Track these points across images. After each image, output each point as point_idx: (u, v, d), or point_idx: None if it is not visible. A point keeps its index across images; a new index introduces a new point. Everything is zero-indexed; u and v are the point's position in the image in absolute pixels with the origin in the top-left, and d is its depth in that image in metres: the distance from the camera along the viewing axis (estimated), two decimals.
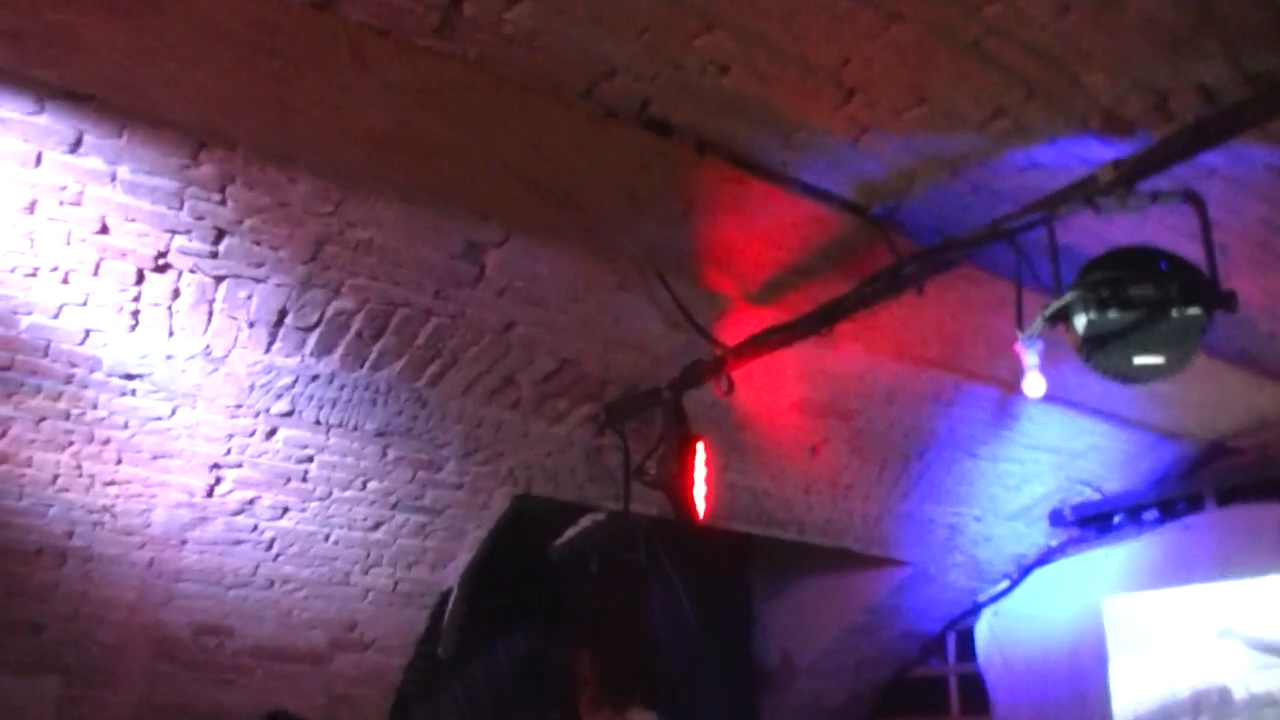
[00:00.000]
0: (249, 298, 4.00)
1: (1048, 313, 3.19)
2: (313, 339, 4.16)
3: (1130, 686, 6.26)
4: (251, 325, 4.11)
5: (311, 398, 4.45)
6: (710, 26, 2.96)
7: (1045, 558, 6.86)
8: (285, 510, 4.90)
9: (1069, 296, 3.13)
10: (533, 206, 3.66)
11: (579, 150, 3.39)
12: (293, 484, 4.80)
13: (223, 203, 3.60)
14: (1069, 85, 3.16)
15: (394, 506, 5.04)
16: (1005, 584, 6.99)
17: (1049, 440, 5.86)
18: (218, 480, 4.73)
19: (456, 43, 3.03)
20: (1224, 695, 5.80)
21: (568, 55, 3.08)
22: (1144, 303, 3.09)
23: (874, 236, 3.81)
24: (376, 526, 5.10)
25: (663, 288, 4.13)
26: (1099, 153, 3.38)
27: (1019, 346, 3.66)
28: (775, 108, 3.28)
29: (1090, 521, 6.66)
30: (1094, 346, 3.17)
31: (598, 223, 3.77)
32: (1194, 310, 3.07)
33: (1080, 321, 3.14)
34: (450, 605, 5.56)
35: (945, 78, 3.14)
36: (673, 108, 3.30)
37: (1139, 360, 3.15)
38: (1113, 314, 3.10)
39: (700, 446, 4.57)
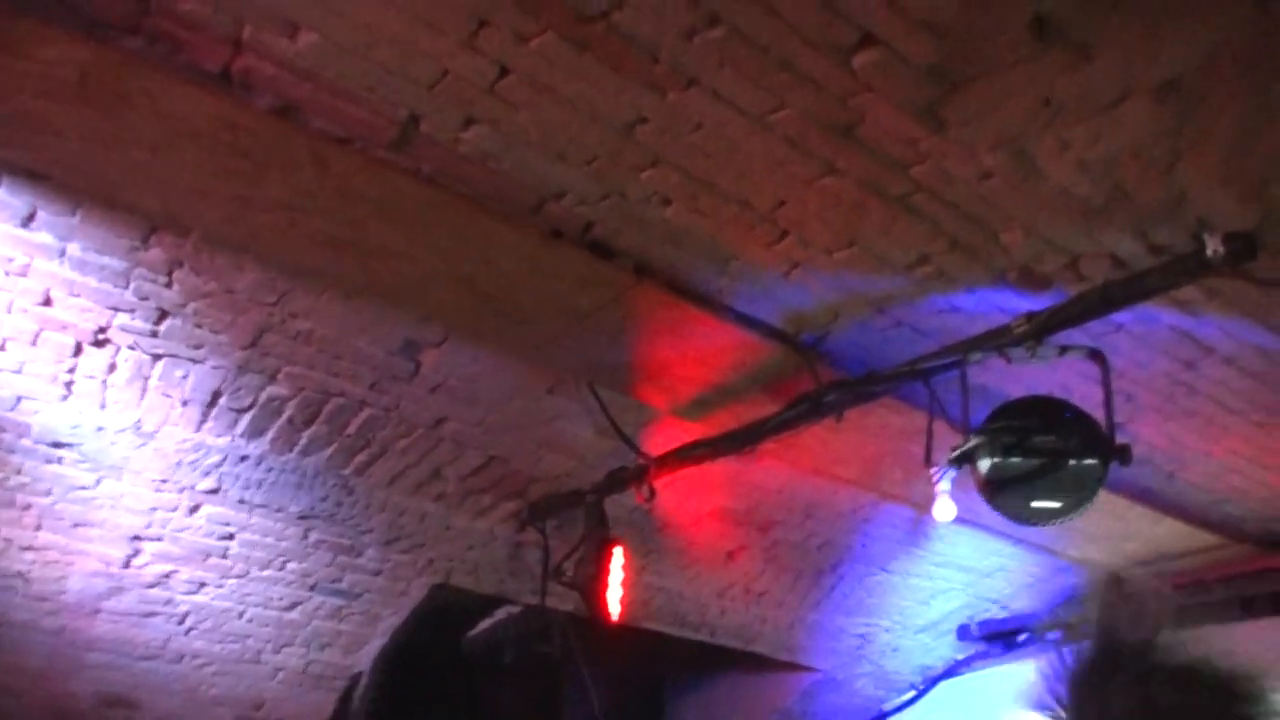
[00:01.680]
0: (185, 377, 4.06)
1: (953, 455, 3.35)
2: (245, 421, 4.22)
3: None
4: (185, 404, 4.16)
5: (238, 477, 4.49)
6: (656, 161, 3.11)
7: (951, 671, 7.00)
8: (202, 585, 4.90)
9: (974, 441, 3.30)
10: (474, 312, 3.78)
11: (524, 265, 3.51)
12: (212, 560, 4.81)
13: (169, 285, 3.68)
14: (989, 241, 3.35)
15: (311, 588, 5.06)
16: (911, 694, 7.10)
17: (959, 559, 6.03)
18: (136, 552, 4.73)
19: (413, 157, 3.15)
20: None
21: (519, 176, 3.21)
22: (1045, 451, 3.27)
23: (800, 364, 3.96)
24: (292, 607, 5.11)
25: (593, 396, 4.25)
26: (1015, 303, 3.57)
27: (932, 473, 3.83)
28: (713, 240, 3.43)
29: (996, 638, 6.82)
30: (995, 488, 3.34)
31: (536, 332, 3.88)
32: (1091, 461, 3.24)
33: (984, 464, 3.31)
34: (360, 690, 5.56)
35: (874, 225, 3.32)
36: (616, 232, 3.44)
37: (1037, 504, 3.31)
38: (1015, 460, 3.27)
39: (618, 550, 4.67)
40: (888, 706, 7.15)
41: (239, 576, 4.95)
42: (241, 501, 4.64)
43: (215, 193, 3.25)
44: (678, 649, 6.92)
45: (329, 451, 4.44)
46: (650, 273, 3.60)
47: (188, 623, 5.04)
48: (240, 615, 5.11)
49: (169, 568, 4.82)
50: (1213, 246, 2.93)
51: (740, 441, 4.16)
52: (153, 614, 4.95)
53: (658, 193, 3.23)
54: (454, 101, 2.91)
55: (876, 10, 2.51)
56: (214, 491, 4.58)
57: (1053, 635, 6.65)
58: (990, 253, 3.41)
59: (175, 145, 3.07)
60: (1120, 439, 3.57)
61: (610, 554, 4.61)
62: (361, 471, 4.58)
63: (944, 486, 4.70)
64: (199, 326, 3.84)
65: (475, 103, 2.92)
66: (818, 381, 3.90)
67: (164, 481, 4.48)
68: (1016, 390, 3.99)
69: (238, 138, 3.05)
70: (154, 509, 4.58)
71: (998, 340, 3.39)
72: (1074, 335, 3.42)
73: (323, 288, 3.70)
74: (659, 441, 4.44)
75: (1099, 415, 3.33)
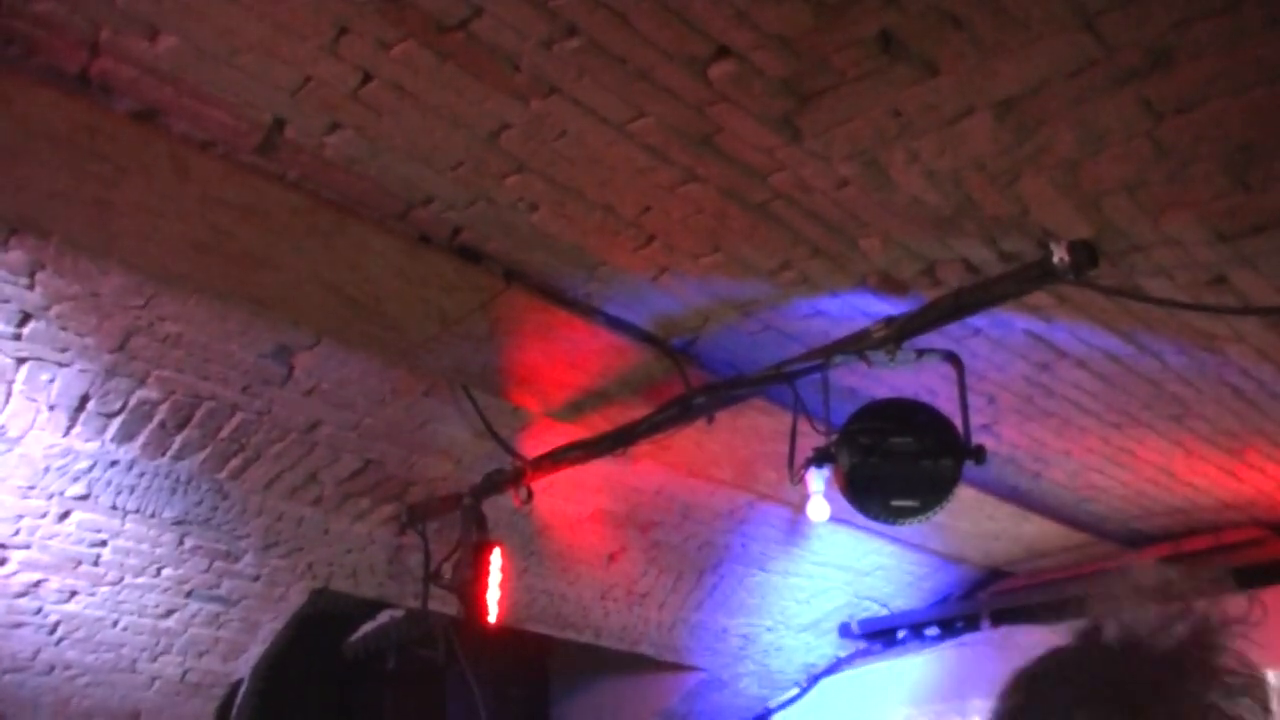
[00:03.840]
0: (51, 381, 3.98)
1: (813, 456, 3.45)
2: (114, 426, 4.16)
3: None
4: (51, 408, 4.09)
5: (109, 483, 4.42)
6: (521, 168, 3.15)
7: (833, 668, 7.15)
8: (73, 594, 4.81)
9: (833, 443, 3.40)
10: (345, 317, 3.78)
11: (393, 270, 3.53)
12: (83, 568, 4.73)
13: (30, 288, 3.60)
14: (848, 247, 3.45)
15: (188, 595, 5.00)
16: (794, 692, 7.23)
17: (838, 558, 6.16)
18: (3, 561, 4.63)
19: (278, 162, 3.15)
20: None
21: (385, 182, 3.22)
22: (902, 452, 3.38)
23: (670, 367, 4.03)
24: (168, 614, 5.05)
25: (468, 400, 4.28)
26: (878, 307, 3.68)
27: (805, 473, 3.93)
28: (580, 245, 3.49)
29: (876, 636, 6.99)
30: (856, 488, 3.44)
31: (407, 337, 3.90)
32: (947, 461, 3.36)
33: (844, 464, 3.41)
34: (240, 697, 5.50)
35: (737, 231, 3.40)
36: (484, 237, 3.47)
37: (896, 503, 3.42)
38: (873, 460, 3.38)
39: (496, 552, 4.70)
40: (771, 704, 7.28)
41: (112, 584, 4.87)
42: (113, 507, 4.57)
43: (75, 196, 3.21)
44: (562, 651, 6.98)
45: (202, 456, 4.40)
46: (519, 277, 3.64)
47: (59, 633, 4.94)
48: (114, 624, 5.03)
49: (38, 576, 4.72)
50: (1058, 255, 3.05)
51: (614, 443, 4.22)
52: (21, 624, 4.85)
53: (524, 198, 3.27)
54: (318, 107, 2.92)
55: (730, 24, 2.58)
56: (84, 498, 4.50)
57: (931, 631, 6.84)
58: (850, 259, 3.52)
59: (32, 148, 3.02)
60: (985, 440, 3.72)
61: (488, 556, 4.64)
62: (236, 476, 4.54)
63: (817, 487, 4.83)
64: (64, 329, 3.78)
65: (339, 108, 2.93)
66: (688, 384, 3.98)
67: (31, 488, 4.39)
68: (884, 392, 4.13)
69: (97, 141, 3.02)
70: (21, 516, 4.48)
71: (858, 344, 3.49)
72: (934, 339, 3.53)
73: (190, 292, 3.67)
74: (535, 444, 4.48)
75: (960, 417, 3.46)
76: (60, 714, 5.11)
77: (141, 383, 4.01)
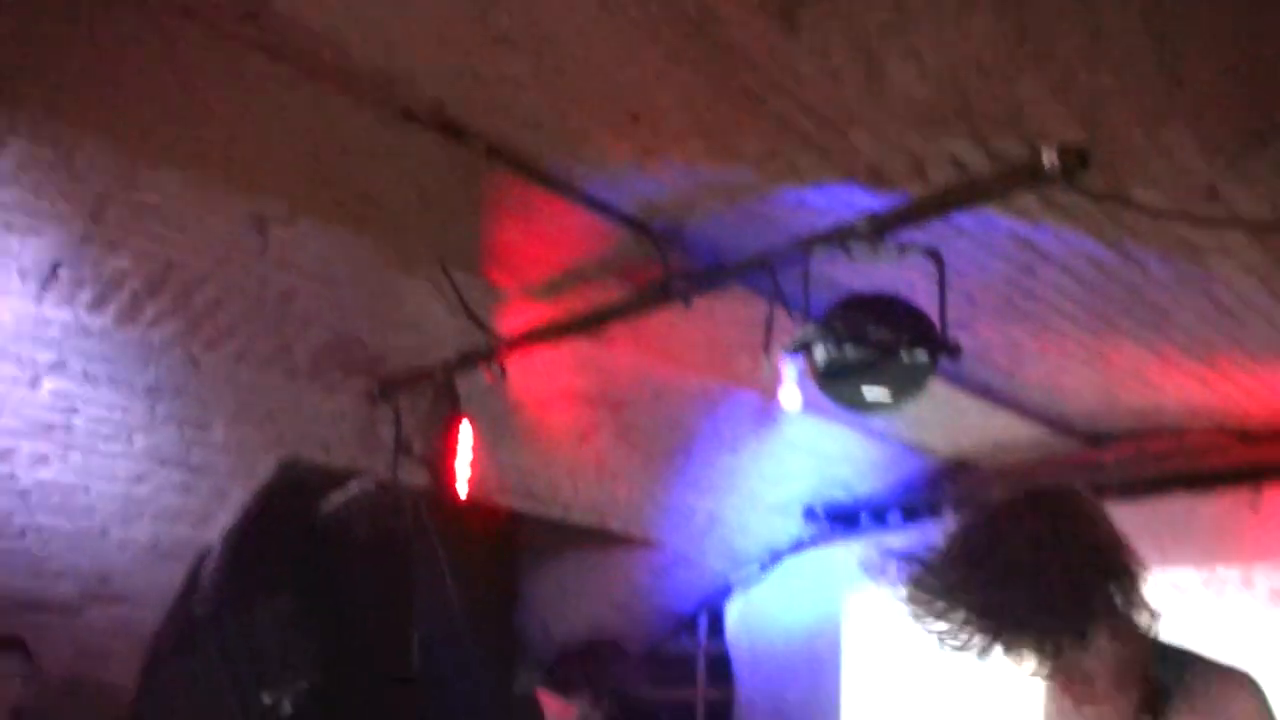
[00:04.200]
0: (23, 247, 3.92)
1: (790, 344, 3.46)
2: (86, 294, 4.11)
3: (860, 674, 6.73)
4: (23, 275, 4.03)
5: (81, 350, 4.38)
6: (508, 44, 3.07)
7: (795, 548, 7.27)
8: (45, 460, 4.79)
9: (810, 331, 3.41)
10: (323, 190, 3.73)
11: (374, 144, 3.47)
12: (56, 434, 4.70)
13: (2, 154, 3.53)
14: (837, 140, 3.39)
15: (159, 463, 4.99)
16: (757, 570, 7.37)
17: (806, 443, 6.23)
18: None
19: (263, 32, 3.06)
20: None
21: (370, 56, 3.14)
22: (878, 344, 3.39)
23: (651, 251, 4.00)
24: (139, 481, 5.04)
25: (444, 275, 4.25)
26: (864, 201, 3.64)
27: (779, 361, 3.94)
28: (565, 124, 3.43)
29: (839, 519, 7.10)
30: (829, 377, 3.46)
31: (387, 211, 3.85)
32: (921, 355, 3.38)
33: (819, 354, 3.41)
34: (210, 564, 5.55)
35: (725, 118, 3.34)
36: (468, 114, 3.40)
37: (869, 394, 3.45)
38: (849, 351, 3.39)
39: (467, 426, 4.72)
40: (734, 581, 7.42)
41: (84, 451, 4.85)
42: (85, 375, 4.53)
43: (47, 62, 3.12)
44: (532, 526, 7.05)
45: (174, 326, 4.36)
46: (502, 155, 3.57)
47: (31, 498, 4.93)
48: (85, 490, 5.02)
49: (10, 442, 4.69)
50: (1048, 158, 3.02)
51: (590, 325, 4.22)
52: None
53: (510, 75, 3.20)
54: None
55: None
56: (56, 365, 4.45)
57: (893, 517, 6.95)
58: (839, 151, 3.46)
59: (12, 11, 2.93)
60: (961, 337, 3.73)
61: (459, 430, 4.66)
62: (209, 346, 4.52)
63: (790, 374, 4.85)
64: (36, 196, 3.71)
65: None
66: (668, 269, 3.96)
67: (2, 354, 4.34)
68: (864, 286, 4.09)
69: (76, 5, 2.93)
70: None
71: (841, 236, 3.48)
72: (917, 236, 3.52)
73: (165, 161, 3.60)
74: (510, 322, 4.48)
75: (939, 314, 3.47)
76: (34, 577, 5.13)
77: (114, 251, 3.95)
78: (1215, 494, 5.55)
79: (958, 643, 2.41)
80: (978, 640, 2.39)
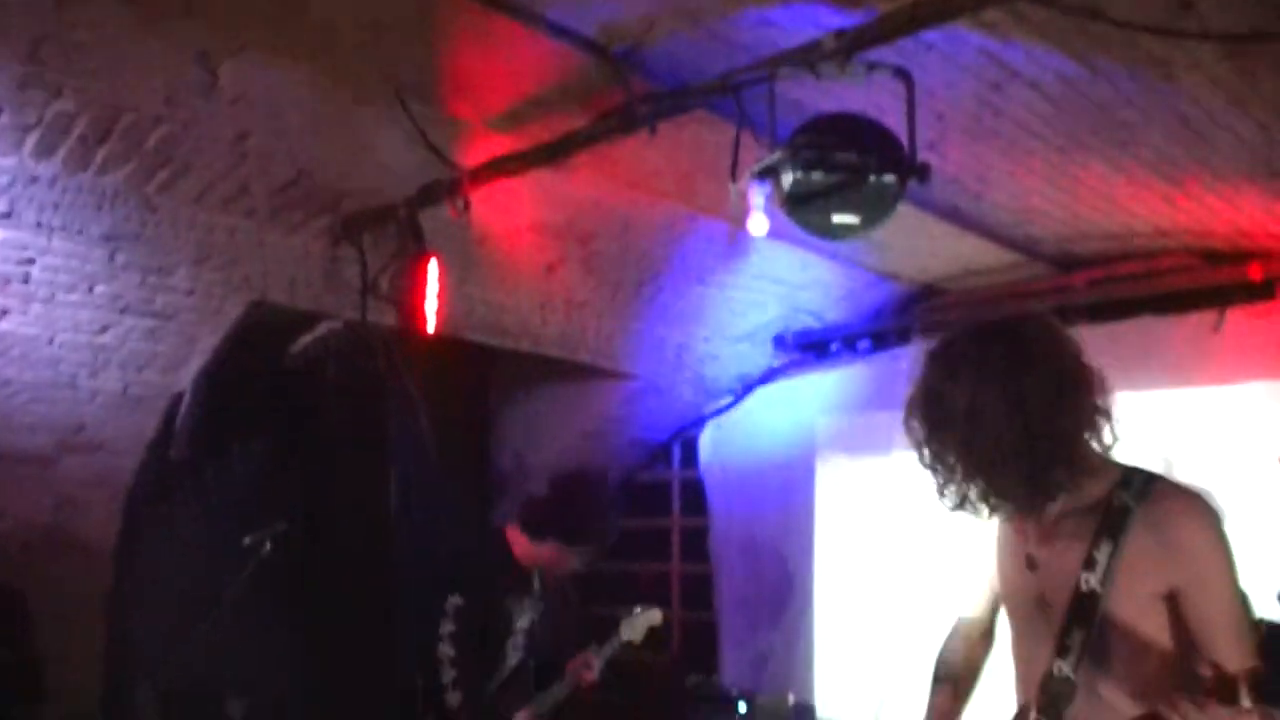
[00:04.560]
0: None
1: (756, 169, 3.40)
2: (32, 140, 3.98)
3: (833, 500, 6.86)
4: None
5: (32, 199, 4.28)
6: None
7: (766, 377, 7.32)
8: (5, 313, 4.72)
9: (777, 156, 3.34)
10: (271, 21, 3.58)
11: None
12: (13, 286, 4.62)
13: None
14: None
15: (122, 311, 4.94)
16: (729, 399, 7.44)
17: (775, 272, 6.21)
18: None
19: None
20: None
21: None
22: (845, 167, 3.33)
23: (612, 76, 3.89)
24: (104, 330, 5.00)
25: (402, 108, 4.14)
26: (829, 20, 3.54)
27: (746, 187, 3.88)
28: None
29: (809, 347, 7.14)
30: (797, 203, 3.41)
31: (339, 42, 3.71)
32: (889, 178, 3.33)
33: (786, 179, 3.36)
34: (182, 409, 5.55)
35: None
36: None
37: (837, 219, 3.40)
38: (816, 175, 3.33)
39: (433, 263, 4.67)
40: (706, 410, 7.49)
41: (44, 302, 4.79)
42: (39, 225, 4.43)
43: None
44: (502, 361, 7.07)
45: (127, 170, 4.25)
46: None
47: None
48: (50, 341, 4.98)
49: None
50: None
51: (553, 154, 4.14)
52: None
53: None
54: None
55: None
56: (7, 215, 4.35)
57: (863, 344, 6.99)
58: None
59: None
60: (930, 158, 3.66)
61: (425, 267, 4.62)
62: (164, 189, 4.41)
63: (758, 201, 4.78)
64: None
65: None
66: (630, 94, 3.86)
67: None
68: (831, 108, 3.99)
69: None
70: None
71: (807, 56, 3.38)
72: (886, 54, 3.43)
73: None
74: (472, 155, 4.39)
75: (907, 135, 3.40)
76: (7, 430, 5.12)
77: (57, 94, 3.81)
78: (1181, 317, 5.59)
79: (951, 490, 2.49)
80: (963, 481, 2.45)
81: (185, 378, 5.45)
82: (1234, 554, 2.45)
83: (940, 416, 2.53)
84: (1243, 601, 2.49)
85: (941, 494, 2.57)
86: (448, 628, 4.90)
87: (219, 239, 4.79)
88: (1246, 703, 2.03)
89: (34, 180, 4.19)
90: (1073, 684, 2.52)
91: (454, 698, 4.89)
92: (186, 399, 5.55)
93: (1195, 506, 2.48)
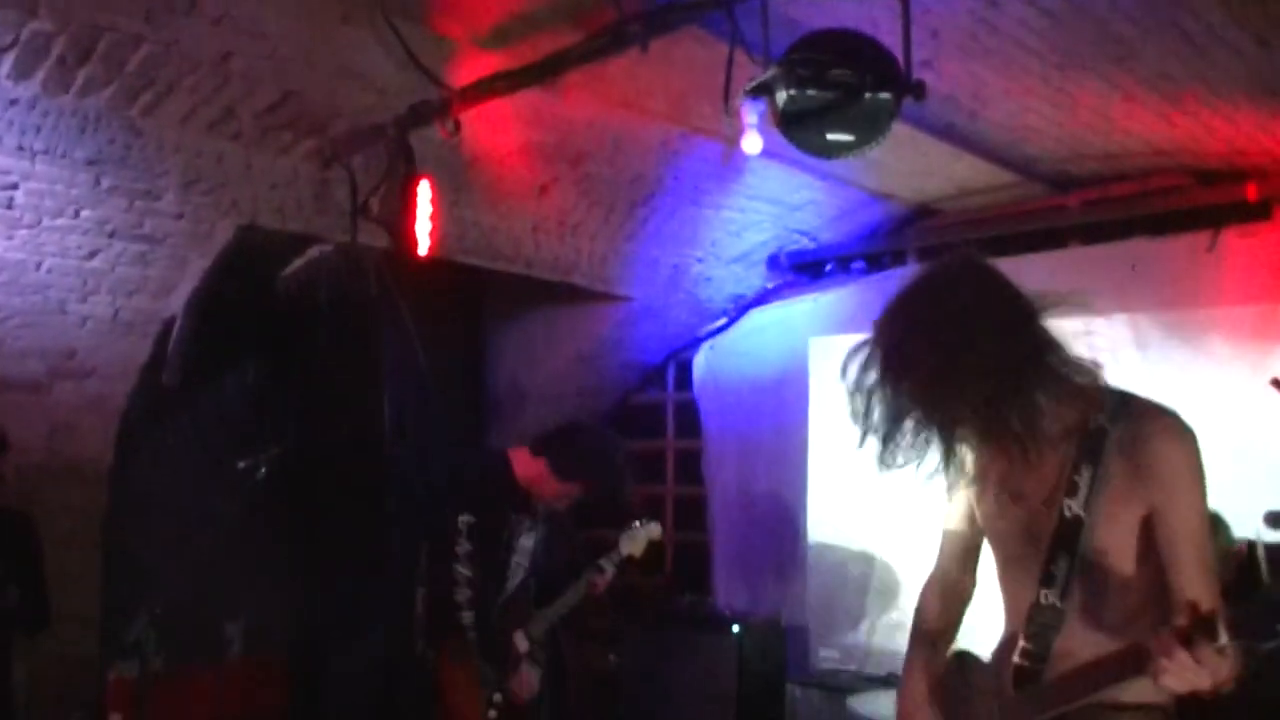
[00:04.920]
0: None
1: (750, 87, 3.35)
2: (8, 61, 3.90)
3: (826, 421, 6.88)
4: None
5: (12, 123, 4.21)
6: None
7: (761, 299, 7.31)
8: None
9: (771, 73, 3.29)
10: None
11: None
12: None
13: None
14: None
15: (110, 235, 4.90)
16: (723, 321, 7.43)
17: (769, 192, 6.16)
18: None
19: None
20: None
21: None
22: (840, 84, 3.28)
23: None
24: (92, 255, 4.96)
25: (388, 25, 4.06)
26: None
27: (740, 105, 3.83)
28: None
29: (804, 268, 7.12)
30: (791, 121, 3.36)
31: None
32: (885, 95, 3.28)
33: (781, 97, 3.31)
34: (175, 334, 5.52)
35: None
36: None
37: (831, 137, 3.36)
38: (810, 92, 3.28)
39: (424, 184, 4.61)
40: (700, 333, 7.48)
41: (29, 227, 4.75)
42: (20, 149, 4.37)
43: None
44: (495, 284, 7.05)
45: (109, 92, 4.17)
46: None
47: None
48: (38, 267, 4.94)
49: None
50: None
51: (544, 72, 4.06)
52: None
53: None
54: None
55: None
56: None
57: (857, 265, 6.96)
58: None
59: None
60: (925, 76, 3.60)
61: (416, 189, 4.56)
62: (148, 112, 4.34)
63: (751, 119, 4.73)
64: None
65: None
66: (620, 10, 3.79)
67: None
68: (826, 24, 3.94)
69: None
70: None
71: None
72: None
73: None
74: (461, 74, 4.31)
75: (902, 51, 3.35)
76: None
77: (32, 14, 3.72)
78: (1175, 238, 5.56)
79: (908, 439, 2.44)
80: (924, 425, 2.40)
81: (176, 302, 5.42)
82: (1205, 476, 2.42)
83: (893, 370, 2.47)
84: (1212, 526, 2.49)
85: (906, 454, 2.48)
86: (464, 547, 4.93)
87: (206, 162, 4.73)
88: (1224, 639, 2.04)
89: (13, 103, 4.12)
90: (1060, 612, 2.52)
91: (468, 616, 4.94)
92: (178, 324, 5.53)
93: (1170, 426, 2.46)
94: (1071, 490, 2.47)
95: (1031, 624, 2.57)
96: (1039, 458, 2.51)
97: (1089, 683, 2.44)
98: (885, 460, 2.48)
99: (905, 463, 2.46)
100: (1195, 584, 2.33)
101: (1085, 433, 2.48)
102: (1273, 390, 4.44)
